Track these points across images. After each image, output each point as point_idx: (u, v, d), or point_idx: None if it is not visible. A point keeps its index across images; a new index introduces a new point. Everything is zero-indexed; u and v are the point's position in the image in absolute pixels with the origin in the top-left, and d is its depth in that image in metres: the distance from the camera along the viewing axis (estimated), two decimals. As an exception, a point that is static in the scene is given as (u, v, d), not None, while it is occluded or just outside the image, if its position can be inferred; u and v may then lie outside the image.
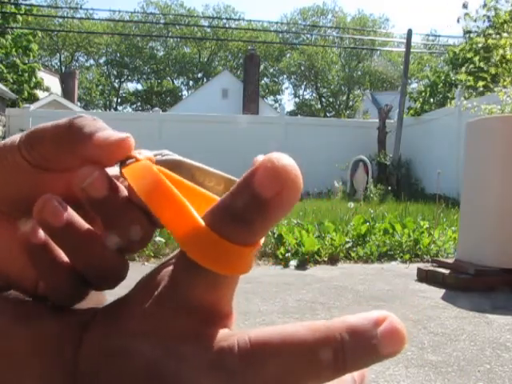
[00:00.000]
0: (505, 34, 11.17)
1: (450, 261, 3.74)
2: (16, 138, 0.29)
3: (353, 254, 4.60)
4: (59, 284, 0.26)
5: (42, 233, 0.25)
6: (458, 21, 12.56)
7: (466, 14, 12.37)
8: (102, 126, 0.26)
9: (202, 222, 0.21)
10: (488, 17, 12.16)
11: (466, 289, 3.28)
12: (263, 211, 0.20)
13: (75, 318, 0.25)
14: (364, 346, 0.20)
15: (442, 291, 3.31)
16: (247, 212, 0.20)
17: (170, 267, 0.24)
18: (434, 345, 2.25)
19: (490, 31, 11.79)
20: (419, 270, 3.74)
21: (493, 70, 11.53)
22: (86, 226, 0.25)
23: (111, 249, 0.25)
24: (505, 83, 8.80)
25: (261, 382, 0.20)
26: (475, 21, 12.47)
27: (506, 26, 11.27)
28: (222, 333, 0.22)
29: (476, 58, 12.22)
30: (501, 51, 11.05)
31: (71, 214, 0.25)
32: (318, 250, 4.48)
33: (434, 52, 32.11)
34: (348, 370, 0.20)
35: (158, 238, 4.54)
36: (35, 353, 0.24)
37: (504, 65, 10.84)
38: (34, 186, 0.27)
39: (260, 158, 0.24)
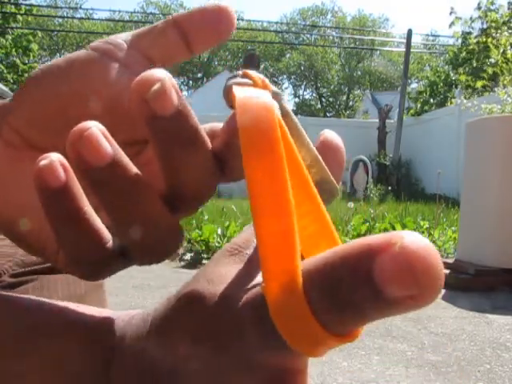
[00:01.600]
0: (505, 34, 11.17)
1: (450, 261, 3.74)
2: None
3: (353, 254, 4.60)
4: (84, 254, 0.20)
5: (66, 174, 0.18)
6: (450, 26, 12.62)
7: (457, 18, 12.42)
8: None
9: (302, 294, 0.16)
10: (482, 17, 12.19)
11: (466, 289, 3.28)
12: (383, 310, 0.14)
13: (101, 324, 0.23)
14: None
15: (442, 291, 3.31)
16: (361, 305, 0.15)
17: (233, 302, 0.19)
18: (434, 345, 2.25)
19: (490, 31, 11.80)
20: (419, 269, 3.74)
21: (490, 70, 11.55)
22: (137, 171, 0.19)
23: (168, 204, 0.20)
24: (505, 82, 8.80)
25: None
26: (472, 22, 12.49)
27: (505, 26, 11.28)
28: None
29: (473, 59, 12.25)
30: (500, 50, 11.07)
31: (118, 150, 0.18)
32: (318, 249, 4.48)
33: (434, 52, 32.11)
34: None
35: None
36: (56, 371, 0.22)
37: (504, 64, 10.84)
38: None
39: (328, 134, 0.21)
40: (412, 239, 0.14)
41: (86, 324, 0.23)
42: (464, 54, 12.66)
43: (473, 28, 12.56)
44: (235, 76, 0.19)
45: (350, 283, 0.15)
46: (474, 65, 12.17)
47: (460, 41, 12.87)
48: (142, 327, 0.22)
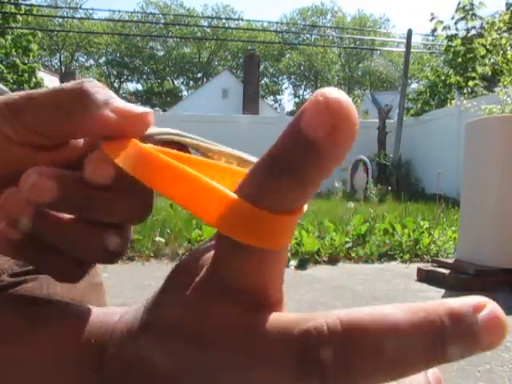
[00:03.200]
0: (505, 34, 11.18)
1: (450, 261, 3.75)
2: None
3: (353, 254, 4.60)
4: (54, 271, 0.23)
5: (22, 223, 0.22)
6: (433, 33, 12.69)
7: (438, 22, 12.48)
8: (116, 96, 0.23)
9: (231, 194, 0.18)
10: (465, 18, 12.24)
11: (466, 289, 3.28)
12: (314, 158, 0.16)
13: (97, 319, 0.23)
14: (465, 333, 0.17)
15: (442, 291, 3.31)
16: (295, 163, 0.17)
17: (207, 252, 0.21)
18: (434, 345, 2.25)
19: (478, 31, 11.86)
20: (419, 270, 3.74)
21: (480, 70, 11.59)
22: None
23: (108, 248, 0.23)
24: (505, 83, 8.80)
25: (356, 371, 0.17)
26: (455, 24, 12.55)
27: (504, 26, 11.29)
28: (288, 317, 0.19)
29: (459, 59, 12.32)
30: (486, 49, 11.12)
31: (64, 186, 0.22)
32: (317, 249, 4.48)
33: (434, 52, 32.14)
34: (446, 358, 0.17)
35: (157, 238, 4.53)
36: (55, 360, 0.22)
37: (505, 65, 10.85)
38: (19, 163, 0.23)
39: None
40: (328, 90, 0.16)
41: (79, 318, 0.24)
42: (451, 55, 12.73)
43: (457, 29, 12.63)
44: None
45: (278, 145, 0.17)
46: (463, 66, 12.24)
47: (447, 41, 12.93)
48: (132, 323, 0.22)
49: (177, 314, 0.20)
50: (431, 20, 12.55)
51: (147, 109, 0.24)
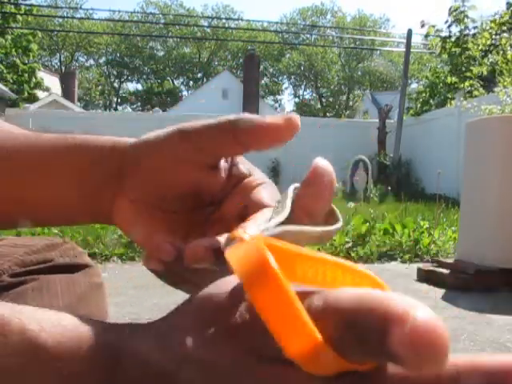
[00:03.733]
0: (505, 35, 11.19)
1: (450, 261, 3.74)
2: (163, 133, 0.33)
3: (353, 254, 4.60)
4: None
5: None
6: (426, 37, 12.75)
7: (431, 27, 12.54)
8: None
9: (320, 338, 0.19)
10: (457, 19, 12.28)
11: (466, 289, 3.28)
12: (390, 360, 0.18)
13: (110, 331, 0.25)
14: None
15: (442, 291, 3.31)
16: (373, 350, 0.18)
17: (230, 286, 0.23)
18: (434, 345, 2.25)
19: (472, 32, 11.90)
20: (419, 270, 3.74)
21: (476, 70, 11.61)
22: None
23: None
24: (505, 83, 8.81)
25: None
26: (449, 27, 12.60)
27: (503, 26, 11.30)
28: None
29: (455, 61, 12.37)
30: (479, 48, 11.15)
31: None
32: (317, 250, 4.47)
33: (434, 52, 32.15)
34: None
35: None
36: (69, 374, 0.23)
37: (505, 65, 10.86)
38: (187, 182, 0.32)
39: (320, 162, 0.26)
40: (421, 319, 0.17)
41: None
42: (446, 55, 12.78)
43: (450, 32, 12.67)
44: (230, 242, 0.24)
45: (369, 336, 0.18)
46: (458, 67, 12.27)
47: (441, 43, 12.97)
48: (146, 331, 0.24)
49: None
50: (422, 27, 12.65)
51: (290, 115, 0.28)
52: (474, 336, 2.38)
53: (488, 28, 11.52)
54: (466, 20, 12.13)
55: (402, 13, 76.27)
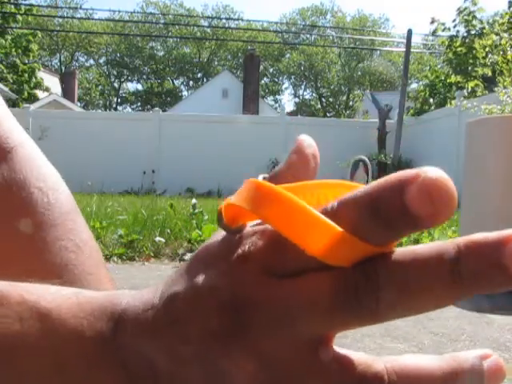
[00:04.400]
0: (505, 35, 11.18)
1: (450, 261, 3.74)
2: None
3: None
4: None
5: None
6: (434, 33, 12.74)
7: (440, 25, 12.54)
8: None
9: (338, 228, 0.20)
10: (466, 20, 12.28)
11: (466, 289, 3.28)
12: (412, 225, 0.19)
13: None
14: (484, 259, 0.20)
15: (442, 291, 3.31)
16: (394, 220, 0.19)
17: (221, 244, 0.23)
18: (434, 345, 2.25)
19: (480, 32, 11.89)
20: (419, 270, 3.74)
21: (481, 70, 11.61)
22: None
23: None
24: (505, 83, 8.81)
25: None
26: (454, 27, 12.60)
27: (503, 26, 11.30)
28: (351, 357, 0.21)
29: (461, 60, 12.36)
30: (486, 50, 11.14)
31: None
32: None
33: (434, 52, 32.14)
34: (466, 286, 0.20)
35: (157, 238, 4.53)
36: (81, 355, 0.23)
37: (505, 65, 10.85)
38: None
39: (303, 137, 0.27)
40: (432, 173, 0.19)
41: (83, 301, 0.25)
42: (451, 54, 12.77)
43: (458, 31, 12.67)
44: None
45: (381, 198, 0.19)
46: (463, 67, 12.26)
47: (448, 42, 12.98)
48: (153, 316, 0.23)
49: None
50: (432, 23, 12.60)
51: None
52: (474, 336, 2.38)
53: (496, 30, 11.51)
54: (474, 21, 12.12)
55: (402, 13, 76.28)
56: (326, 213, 0.21)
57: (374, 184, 0.20)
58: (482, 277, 0.19)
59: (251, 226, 0.24)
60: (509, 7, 11.58)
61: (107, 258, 4.13)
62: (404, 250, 0.21)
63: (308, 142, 0.28)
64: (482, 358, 0.21)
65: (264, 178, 0.27)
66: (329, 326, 0.21)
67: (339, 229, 0.20)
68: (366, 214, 0.20)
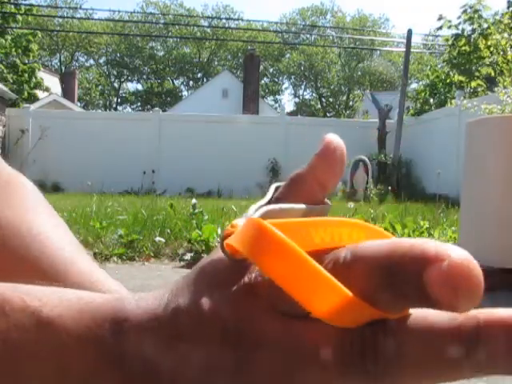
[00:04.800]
0: (505, 35, 11.18)
1: (450, 261, 3.74)
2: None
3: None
4: None
5: None
6: (440, 28, 12.74)
7: (447, 22, 12.53)
8: None
9: (348, 292, 0.19)
10: (470, 18, 12.27)
11: (466, 289, 3.28)
12: (427, 305, 0.18)
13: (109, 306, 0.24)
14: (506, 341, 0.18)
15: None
16: (410, 296, 0.18)
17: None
18: (434, 345, 2.25)
19: (487, 31, 11.86)
20: (419, 269, 3.74)
21: (484, 71, 11.60)
22: None
23: None
24: (505, 83, 8.81)
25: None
26: (458, 25, 12.58)
27: (503, 26, 11.29)
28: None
29: (464, 60, 12.34)
30: (492, 50, 11.13)
31: None
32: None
33: (434, 52, 32.14)
34: (480, 370, 0.18)
35: (157, 238, 4.53)
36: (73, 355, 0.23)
37: (505, 65, 10.85)
38: None
39: (331, 136, 0.25)
40: (458, 258, 0.17)
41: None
42: (455, 54, 12.76)
43: (463, 30, 12.64)
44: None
45: (400, 275, 0.18)
46: (467, 66, 12.25)
47: (452, 40, 12.96)
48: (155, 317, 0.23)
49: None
50: (439, 19, 12.57)
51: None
52: (474, 336, 2.38)
53: (500, 30, 11.50)
54: (479, 20, 12.11)
55: (402, 13, 76.28)
56: (337, 264, 0.20)
57: (397, 245, 0.18)
58: (500, 362, 0.18)
59: None
60: (508, 7, 11.58)
61: (107, 258, 4.13)
62: (417, 318, 0.19)
63: (336, 143, 0.26)
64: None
65: (277, 188, 0.25)
66: (325, 380, 0.20)
67: (349, 293, 0.19)
68: (380, 280, 0.18)
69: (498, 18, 11.87)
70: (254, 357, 0.20)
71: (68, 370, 0.23)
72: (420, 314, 0.19)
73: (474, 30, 12.30)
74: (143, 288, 3.05)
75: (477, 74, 11.97)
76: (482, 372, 0.18)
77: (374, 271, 0.18)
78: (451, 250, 0.17)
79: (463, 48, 12.42)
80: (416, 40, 26.59)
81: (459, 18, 12.58)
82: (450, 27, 12.68)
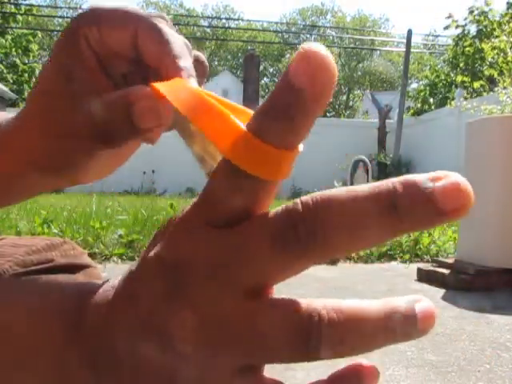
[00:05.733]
0: (504, 37, 11.17)
1: (450, 261, 3.74)
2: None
3: (353, 254, 4.60)
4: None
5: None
6: (446, 28, 12.72)
7: (453, 21, 12.53)
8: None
9: (245, 128, 0.21)
10: (477, 21, 12.27)
11: (466, 289, 3.28)
12: (301, 103, 0.19)
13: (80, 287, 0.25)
14: (416, 195, 0.19)
15: (442, 291, 3.31)
16: (286, 108, 0.20)
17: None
18: (434, 345, 2.25)
19: (490, 32, 11.85)
20: (419, 270, 3.74)
21: (487, 72, 11.59)
22: None
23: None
24: (505, 84, 8.80)
25: (328, 239, 0.20)
26: (465, 26, 12.58)
27: (503, 26, 11.29)
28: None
29: (468, 60, 12.34)
30: (495, 52, 11.11)
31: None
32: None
33: (434, 52, 32.14)
34: (402, 222, 0.20)
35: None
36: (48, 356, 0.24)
37: (505, 65, 10.85)
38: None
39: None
40: (310, 44, 0.20)
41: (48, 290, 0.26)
42: (459, 54, 12.77)
43: (469, 31, 12.65)
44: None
45: (274, 92, 0.20)
46: (470, 67, 12.25)
47: (457, 40, 12.96)
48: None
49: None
50: (448, 18, 12.57)
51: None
52: (474, 336, 2.38)
53: (506, 31, 11.49)
54: (485, 22, 12.11)
55: (402, 13, 76.25)
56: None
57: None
58: (418, 214, 0.19)
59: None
60: (507, 8, 11.58)
61: (107, 258, 4.13)
62: (341, 189, 0.21)
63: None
64: (416, 300, 0.21)
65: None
66: (268, 273, 0.21)
67: (244, 129, 0.21)
68: (266, 115, 0.20)
69: (496, 18, 11.87)
70: (189, 274, 0.21)
71: (39, 349, 0.24)
72: (345, 188, 0.21)
73: (479, 31, 12.29)
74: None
75: (480, 74, 11.96)
76: (404, 227, 0.20)
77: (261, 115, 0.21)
78: (305, 44, 0.20)
79: (467, 49, 12.41)
80: (416, 40, 26.66)
81: (465, 19, 12.58)
82: (457, 27, 12.66)
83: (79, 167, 0.33)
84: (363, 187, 0.20)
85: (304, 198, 0.21)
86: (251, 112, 0.26)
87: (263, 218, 0.21)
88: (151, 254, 0.22)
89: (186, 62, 0.31)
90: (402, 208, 0.19)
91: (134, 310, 0.22)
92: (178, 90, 0.26)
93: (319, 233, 0.20)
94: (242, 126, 0.21)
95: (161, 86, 0.27)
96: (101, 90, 0.32)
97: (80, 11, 0.32)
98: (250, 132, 0.21)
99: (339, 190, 0.20)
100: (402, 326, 0.20)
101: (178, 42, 0.32)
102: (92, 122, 0.31)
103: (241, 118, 0.22)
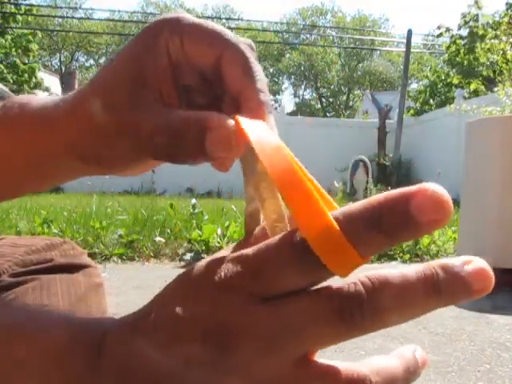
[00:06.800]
0: (503, 38, 11.18)
1: (450, 261, 3.74)
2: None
3: (353, 254, 4.60)
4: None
5: None
6: (438, 36, 12.78)
7: (446, 30, 12.58)
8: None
9: (337, 226, 0.21)
10: (470, 26, 12.30)
11: (466, 289, 3.28)
12: (411, 232, 0.21)
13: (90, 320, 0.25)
14: (454, 278, 0.22)
15: (442, 291, 3.31)
16: (394, 228, 0.21)
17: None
18: (434, 345, 2.25)
19: (484, 32, 11.87)
20: (419, 270, 3.74)
21: (484, 72, 11.61)
22: None
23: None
24: (506, 86, 8.81)
25: (381, 312, 0.22)
26: (459, 28, 12.62)
27: (502, 27, 11.28)
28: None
29: (463, 62, 12.36)
30: (487, 54, 11.14)
31: None
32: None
33: (434, 52, 32.14)
34: (443, 301, 0.22)
35: (157, 238, 4.53)
36: (54, 363, 0.24)
37: (504, 65, 10.85)
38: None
39: None
40: (438, 188, 0.21)
41: (69, 321, 0.26)
42: (453, 49, 12.80)
43: (461, 37, 12.67)
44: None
45: (383, 209, 0.21)
46: (464, 68, 12.28)
47: (451, 43, 12.99)
48: (132, 321, 0.24)
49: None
50: (438, 28, 12.63)
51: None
52: (474, 336, 2.38)
53: (498, 33, 11.51)
54: (477, 24, 12.14)
55: (402, 13, 76.25)
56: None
57: (375, 198, 0.22)
58: (455, 293, 0.22)
59: (227, 249, 0.25)
60: (507, 9, 11.57)
61: (107, 258, 4.13)
62: (394, 271, 0.22)
63: None
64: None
65: None
66: (321, 344, 0.22)
67: (337, 227, 0.21)
68: (368, 224, 0.21)
69: (496, 19, 11.86)
70: (239, 345, 0.21)
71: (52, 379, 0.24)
72: (392, 270, 0.22)
73: (470, 33, 12.32)
74: (143, 288, 3.04)
75: (475, 75, 11.98)
76: (443, 303, 0.22)
77: (363, 220, 0.21)
78: (427, 184, 0.21)
79: (461, 50, 12.45)
80: (416, 40, 26.66)
81: (459, 29, 12.63)
82: (452, 37, 12.71)
83: (123, 166, 0.34)
84: (411, 270, 0.22)
85: (362, 278, 0.22)
86: (330, 199, 0.26)
87: (308, 296, 0.22)
88: (187, 309, 0.22)
89: (266, 97, 0.32)
90: (445, 291, 0.22)
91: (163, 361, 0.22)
92: (263, 137, 0.25)
93: (377, 313, 0.21)
94: (333, 220, 0.21)
95: (245, 123, 0.27)
96: (165, 95, 0.32)
97: (164, 15, 0.33)
98: (344, 233, 0.21)
99: (392, 273, 0.22)
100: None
101: (262, 76, 0.32)
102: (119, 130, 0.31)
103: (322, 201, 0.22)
